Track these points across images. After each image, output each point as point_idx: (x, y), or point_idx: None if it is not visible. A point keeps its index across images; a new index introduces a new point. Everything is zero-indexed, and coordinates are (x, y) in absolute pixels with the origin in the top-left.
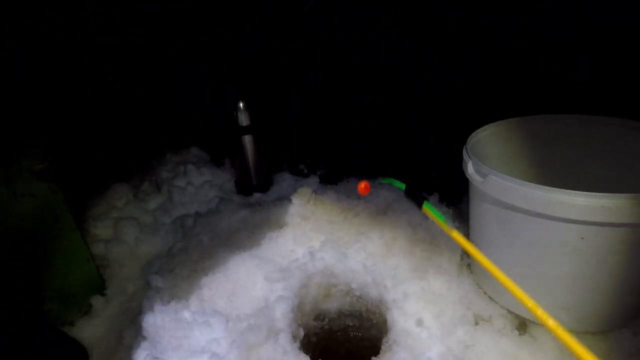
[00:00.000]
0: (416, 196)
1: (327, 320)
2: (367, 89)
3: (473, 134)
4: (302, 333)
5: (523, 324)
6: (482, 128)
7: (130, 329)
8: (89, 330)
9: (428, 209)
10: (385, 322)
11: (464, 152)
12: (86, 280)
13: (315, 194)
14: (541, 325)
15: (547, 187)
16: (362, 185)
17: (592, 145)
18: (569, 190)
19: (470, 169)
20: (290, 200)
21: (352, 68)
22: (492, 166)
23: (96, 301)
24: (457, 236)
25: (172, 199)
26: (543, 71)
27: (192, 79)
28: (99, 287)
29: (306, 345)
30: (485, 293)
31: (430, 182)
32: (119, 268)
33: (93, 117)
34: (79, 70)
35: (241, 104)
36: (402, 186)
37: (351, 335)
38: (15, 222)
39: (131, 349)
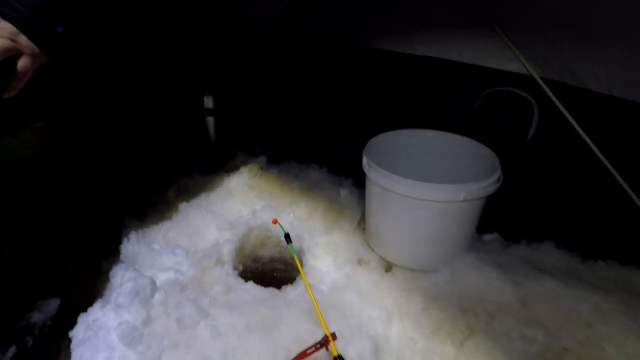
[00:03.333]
0: (287, 238)
1: (261, 263)
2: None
3: (371, 139)
4: (241, 267)
5: (389, 267)
6: (377, 136)
7: (108, 260)
8: (74, 257)
9: (290, 246)
10: (301, 263)
11: (363, 151)
12: None
13: (262, 170)
14: (400, 267)
15: (400, 178)
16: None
17: (438, 147)
18: (409, 180)
19: (364, 162)
20: (241, 173)
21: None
22: (380, 161)
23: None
24: (298, 262)
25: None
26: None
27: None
28: None
29: (244, 279)
30: (369, 246)
31: (347, 170)
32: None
33: None
34: None
35: (207, 90)
36: (284, 232)
37: (277, 275)
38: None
39: (111, 270)
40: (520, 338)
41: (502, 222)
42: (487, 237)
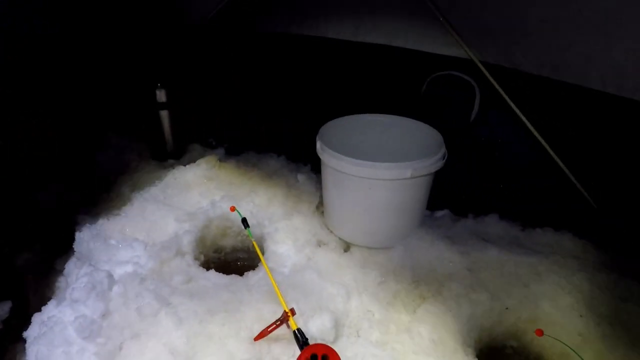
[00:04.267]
0: (244, 222)
1: (223, 253)
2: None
3: (324, 124)
4: (203, 258)
5: (348, 247)
6: (330, 121)
7: (63, 257)
8: (23, 259)
9: (248, 230)
10: (263, 249)
11: (317, 136)
12: None
13: (220, 161)
14: (358, 246)
15: (351, 159)
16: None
17: (387, 130)
18: (359, 161)
19: (318, 146)
20: (199, 165)
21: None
22: (334, 145)
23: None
24: (255, 245)
25: (95, 159)
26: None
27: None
28: None
29: (206, 269)
30: (328, 228)
31: (306, 156)
32: None
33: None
34: None
35: (159, 84)
36: (241, 217)
37: (240, 264)
38: None
39: (65, 269)
40: (468, 302)
41: (452, 199)
42: (439, 213)
